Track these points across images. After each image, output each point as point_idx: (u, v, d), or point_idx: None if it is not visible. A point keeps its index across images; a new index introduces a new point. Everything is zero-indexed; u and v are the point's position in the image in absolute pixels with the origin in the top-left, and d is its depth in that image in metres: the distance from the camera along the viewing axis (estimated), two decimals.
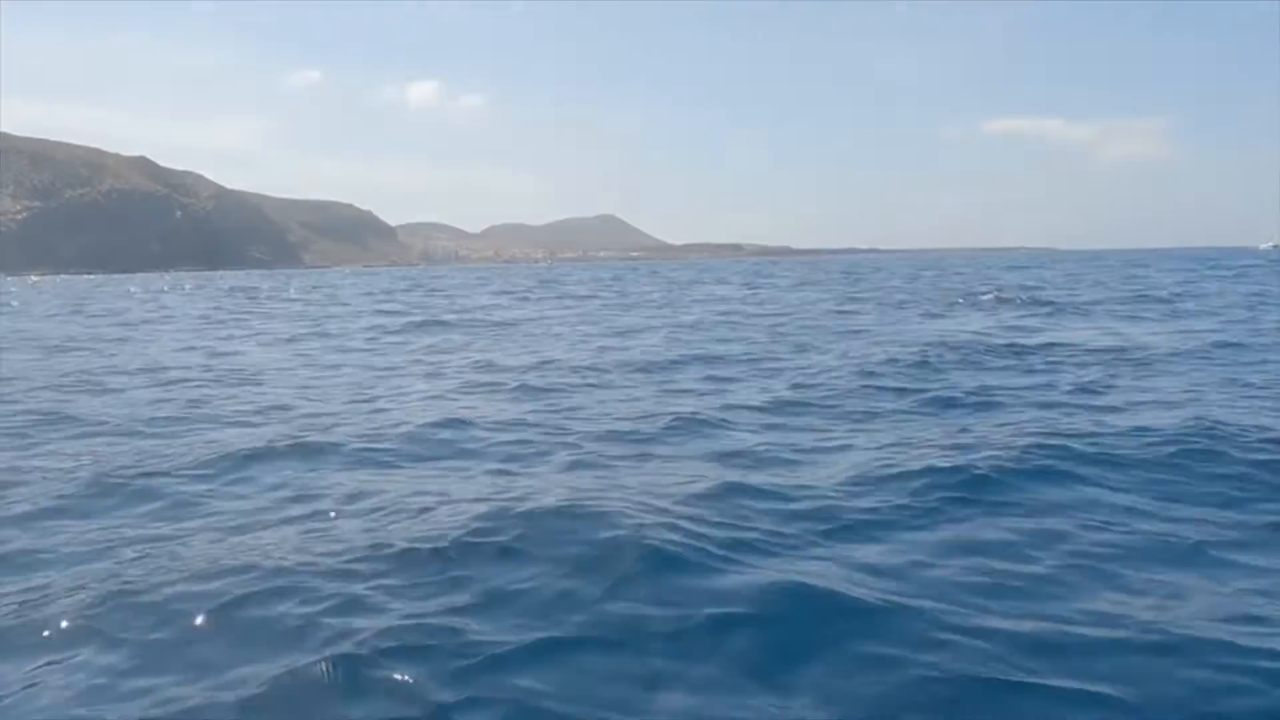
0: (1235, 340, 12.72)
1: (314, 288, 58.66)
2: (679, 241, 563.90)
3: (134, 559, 4.51)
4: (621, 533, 4.57)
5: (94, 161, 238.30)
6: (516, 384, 10.27)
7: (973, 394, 8.76)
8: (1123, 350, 11.65)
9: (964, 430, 6.97)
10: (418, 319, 22.55)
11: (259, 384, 10.98)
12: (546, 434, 7.36)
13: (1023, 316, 18.14)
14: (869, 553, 4.40)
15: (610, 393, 9.61)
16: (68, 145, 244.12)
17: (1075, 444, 6.39)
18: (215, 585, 4.02)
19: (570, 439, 7.22)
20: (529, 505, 5.02)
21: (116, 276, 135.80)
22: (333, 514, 5.18)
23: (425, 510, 5.11)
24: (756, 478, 5.76)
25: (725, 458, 6.45)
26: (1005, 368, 10.58)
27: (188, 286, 67.75)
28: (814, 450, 6.68)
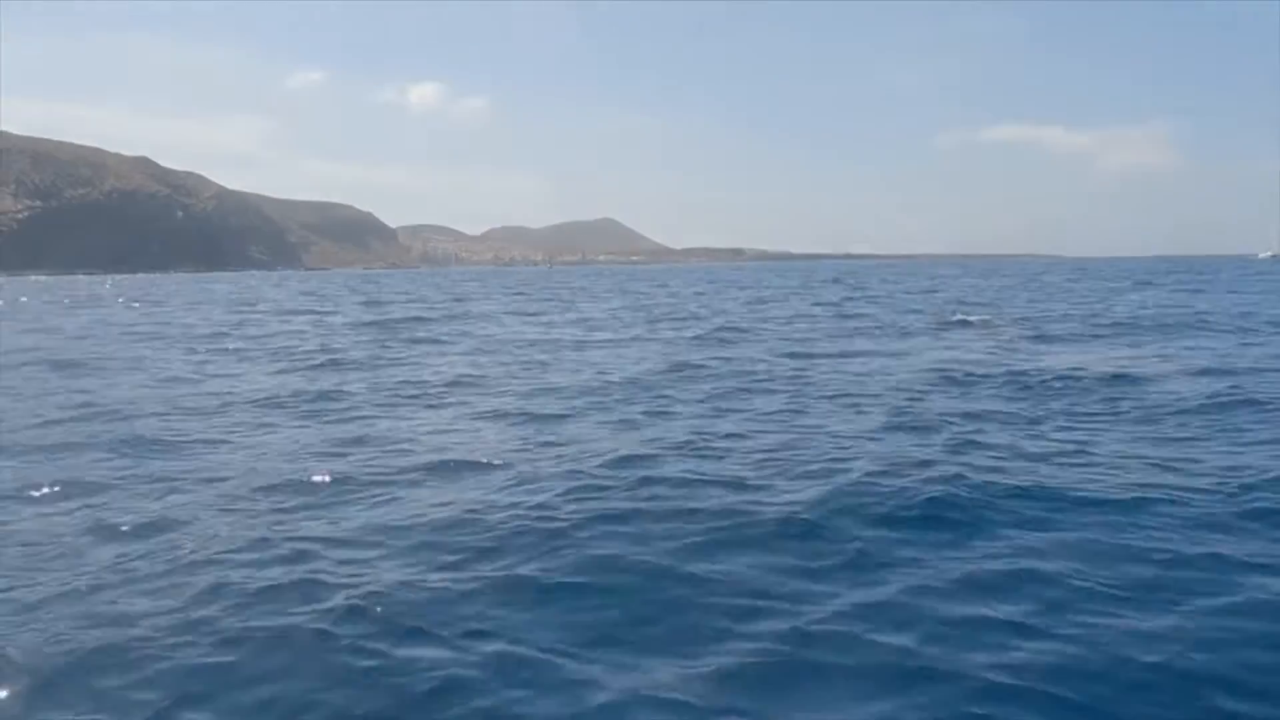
0: (1219, 367, 13.04)
1: (317, 295, 58.88)
2: (679, 245, 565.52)
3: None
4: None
5: (95, 161, 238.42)
6: (520, 413, 10.55)
7: (955, 424, 9.06)
8: (1109, 378, 11.92)
9: (943, 464, 7.26)
10: (420, 335, 22.91)
11: (267, 409, 11.26)
12: (545, 465, 7.63)
13: (1013, 339, 18.42)
14: (870, 598, 4.70)
15: (612, 416, 9.89)
16: (69, 145, 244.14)
17: (1052, 484, 6.74)
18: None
19: (566, 465, 7.54)
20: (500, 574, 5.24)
21: (115, 277, 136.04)
22: (312, 566, 5.37)
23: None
24: (734, 519, 6.06)
25: (718, 490, 6.73)
26: (991, 396, 10.86)
27: (174, 287, 67.90)
28: (809, 476, 7.01)
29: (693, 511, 6.25)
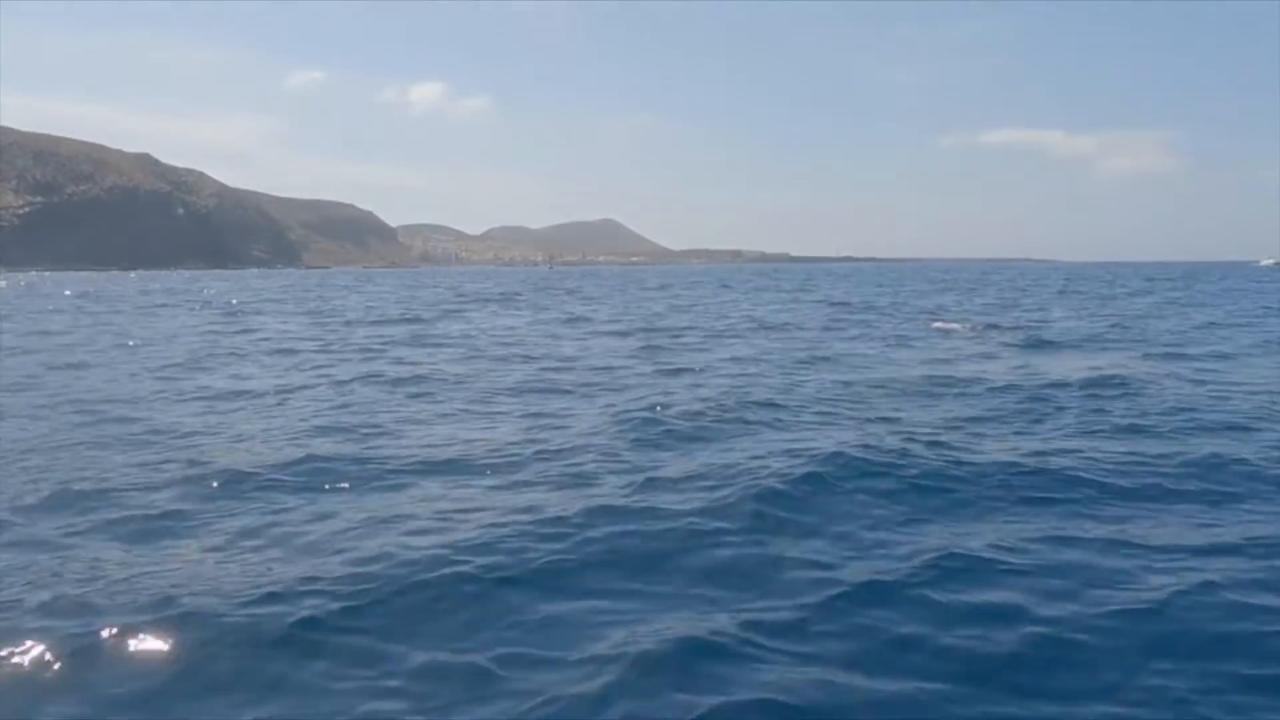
0: (1198, 378, 13.43)
1: (321, 297, 59.12)
2: (679, 247, 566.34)
3: None
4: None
5: (97, 158, 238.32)
6: (516, 407, 10.94)
7: (928, 429, 9.46)
8: (1091, 385, 12.32)
9: (915, 467, 7.66)
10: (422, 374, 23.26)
11: (286, 410, 11.64)
12: (538, 465, 8.03)
13: (1001, 348, 18.80)
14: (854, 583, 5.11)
15: (608, 412, 10.28)
16: (71, 141, 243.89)
17: (1015, 483, 7.17)
18: None
19: (560, 463, 7.94)
20: None
21: (114, 274, 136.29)
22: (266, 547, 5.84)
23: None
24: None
25: (697, 486, 7.14)
26: (967, 404, 11.25)
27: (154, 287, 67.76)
28: (789, 469, 7.40)
29: (672, 511, 6.63)
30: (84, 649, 4.40)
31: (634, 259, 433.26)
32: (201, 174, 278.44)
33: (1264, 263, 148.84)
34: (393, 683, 4.16)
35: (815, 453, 8.11)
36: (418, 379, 14.09)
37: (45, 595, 5.01)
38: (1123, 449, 8.45)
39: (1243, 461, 7.84)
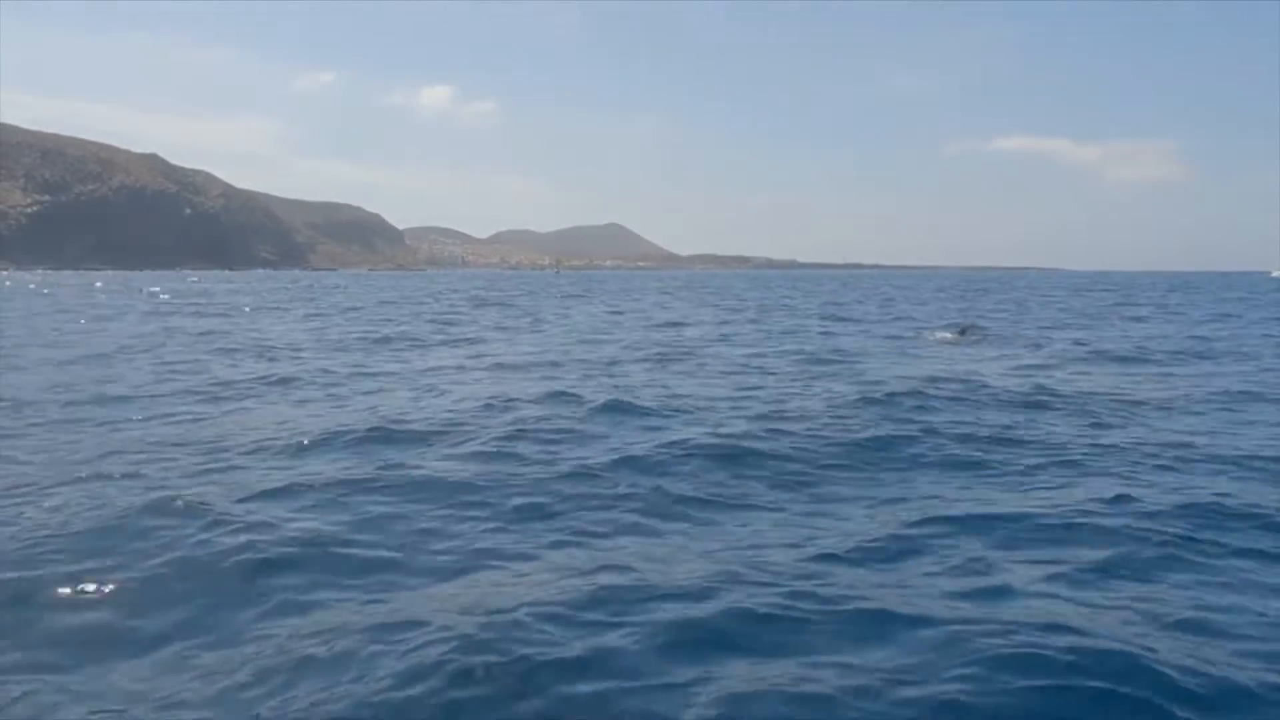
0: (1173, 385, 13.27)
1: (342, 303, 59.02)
2: (685, 252, 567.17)
3: None
4: None
5: (105, 158, 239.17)
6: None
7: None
8: (1081, 396, 12.17)
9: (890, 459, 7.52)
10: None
11: (293, 401, 11.54)
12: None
13: (996, 356, 18.66)
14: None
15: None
16: (79, 141, 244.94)
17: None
18: None
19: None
20: None
21: (122, 274, 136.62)
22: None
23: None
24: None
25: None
26: (946, 411, 11.10)
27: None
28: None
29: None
30: None
31: (640, 264, 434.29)
32: (209, 175, 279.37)
33: (1275, 274, 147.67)
34: None
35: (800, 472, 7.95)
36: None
37: None
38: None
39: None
